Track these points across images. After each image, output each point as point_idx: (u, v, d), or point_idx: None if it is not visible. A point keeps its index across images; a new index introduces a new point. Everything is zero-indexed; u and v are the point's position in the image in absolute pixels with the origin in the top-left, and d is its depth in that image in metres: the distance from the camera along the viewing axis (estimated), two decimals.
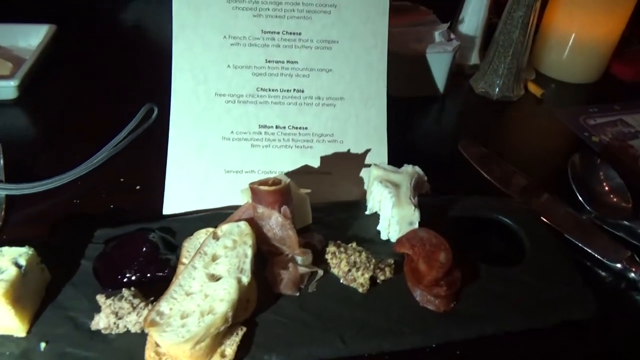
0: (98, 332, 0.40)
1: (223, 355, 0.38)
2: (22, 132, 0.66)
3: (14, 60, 0.74)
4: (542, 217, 0.55)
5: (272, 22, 0.58)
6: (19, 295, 0.39)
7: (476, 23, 0.79)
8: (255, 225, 0.45)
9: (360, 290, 0.44)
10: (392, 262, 0.46)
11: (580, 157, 0.59)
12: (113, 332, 0.40)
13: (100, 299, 0.40)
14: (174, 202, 0.54)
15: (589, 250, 0.52)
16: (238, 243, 0.42)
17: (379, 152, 0.58)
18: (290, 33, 0.58)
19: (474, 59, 0.82)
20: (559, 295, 0.46)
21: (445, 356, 0.42)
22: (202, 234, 0.45)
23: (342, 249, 0.46)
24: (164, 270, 0.44)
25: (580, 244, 0.53)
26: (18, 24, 0.79)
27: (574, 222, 0.55)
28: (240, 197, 0.49)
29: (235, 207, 0.48)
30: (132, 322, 0.39)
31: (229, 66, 0.57)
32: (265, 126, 0.57)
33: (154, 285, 0.43)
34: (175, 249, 0.46)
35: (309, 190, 0.48)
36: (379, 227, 0.50)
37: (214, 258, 0.41)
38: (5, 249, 0.41)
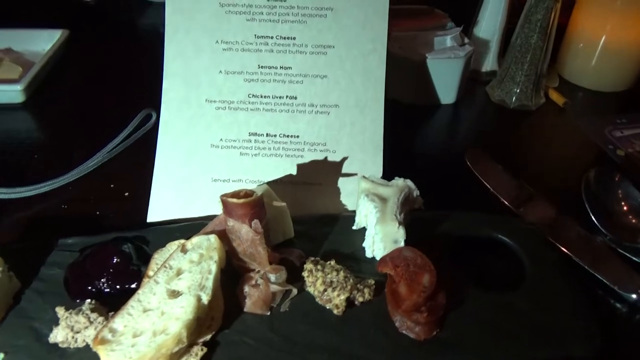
0: (57, 345, 0.39)
1: None
2: (24, 135, 0.66)
3: (25, 65, 0.75)
4: (549, 238, 0.50)
5: (266, 26, 0.56)
6: None
7: (493, 26, 0.75)
8: (227, 238, 0.42)
9: (335, 312, 0.42)
10: (373, 282, 0.43)
11: (596, 174, 0.54)
12: (71, 347, 0.38)
13: (60, 311, 0.39)
14: (159, 209, 0.53)
15: (600, 277, 0.47)
16: (204, 258, 0.40)
17: (374, 163, 0.54)
18: (284, 38, 0.56)
19: (491, 64, 0.77)
20: (559, 326, 0.42)
21: None
22: (173, 246, 0.43)
23: (319, 267, 0.43)
24: (133, 282, 0.43)
25: (590, 270, 0.48)
26: (32, 29, 0.81)
27: (586, 245, 0.50)
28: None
29: None
30: (90, 336, 0.38)
31: (220, 72, 0.56)
32: (255, 134, 0.55)
33: (123, 297, 0.42)
34: (148, 260, 0.45)
35: (283, 204, 0.45)
36: (364, 244, 0.47)
37: (179, 273, 0.40)
38: None
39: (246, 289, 0.41)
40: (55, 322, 0.39)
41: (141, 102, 0.66)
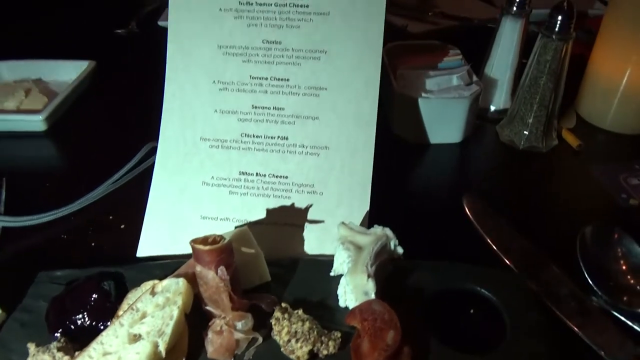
0: None
1: None
2: (40, 163, 0.70)
3: (51, 95, 0.80)
4: (538, 295, 0.48)
5: (261, 67, 0.57)
6: None
7: (505, 64, 0.73)
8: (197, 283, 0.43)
9: None
10: (339, 335, 0.42)
11: (592, 231, 0.51)
12: None
13: (31, 347, 0.40)
14: (149, 244, 0.55)
15: (587, 342, 0.44)
16: (169, 302, 0.41)
17: (360, 207, 0.54)
18: (279, 79, 0.57)
19: (503, 103, 0.75)
20: None
21: None
22: (147, 286, 0.44)
23: (286, 316, 0.43)
24: (108, 320, 0.44)
25: (578, 332, 0.45)
26: (61, 60, 0.86)
27: (577, 305, 0.47)
28: None
29: None
30: None
31: (215, 111, 0.57)
32: (245, 173, 0.56)
33: (98, 334, 0.43)
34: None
35: (253, 251, 0.46)
36: (338, 292, 0.47)
37: (143, 316, 0.40)
38: None
39: (210, 335, 0.42)
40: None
41: (155, 135, 0.68)
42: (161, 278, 0.45)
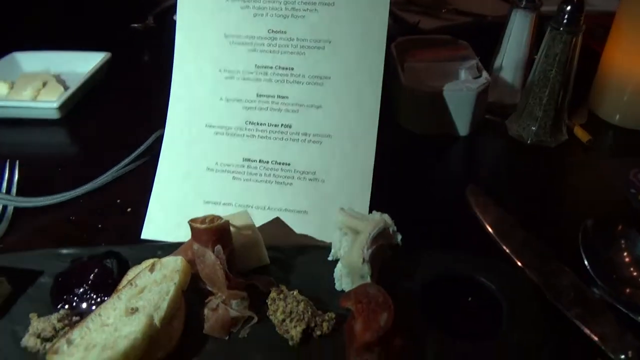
0: (29, 350, 0.41)
1: None
2: (53, 149, 0.72)
3: (67, 85, 0.82)
4: (538, 286, 0.48)
5: (266, 57, 0.58)
6: None
7: (516, 58, 0.72)
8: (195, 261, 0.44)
9: (290, 342, 0.42)
10: (333, 316, 0.43)
11: (594, 223, 0.50)
12: (40, 352, 0.41)
13: (32, 317, 0.42)
14: (153, 228, 0.56)
15: (587, 333, 0.44)
16: (167, 279, 0.42)
17: (361, 195, 0.54)
18: (283, 68, 0.57)
19: (513, 97, 0.74)
20: None
21: None
22: (148, 263, 0.45)
23: (282, 296, 0.43)
24: (110, 295, 0.45)
25: (577, 323, 0.45)
26: (77, 51, 0.88)
27: (578, 296, 0.47)
28: None
29: None
30: None
31: (221, 99, 0.58)
32: (249, 159, 0.57)
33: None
34: None
35: (251, 232, 0.46)
36: (334, 276, 0.47)
37: (141, 291, 0.41)
38: None
39: (206, 311, 0.42)
40: None
41: (164, 125, 0.69)
42: (162, 257, 0.46)
